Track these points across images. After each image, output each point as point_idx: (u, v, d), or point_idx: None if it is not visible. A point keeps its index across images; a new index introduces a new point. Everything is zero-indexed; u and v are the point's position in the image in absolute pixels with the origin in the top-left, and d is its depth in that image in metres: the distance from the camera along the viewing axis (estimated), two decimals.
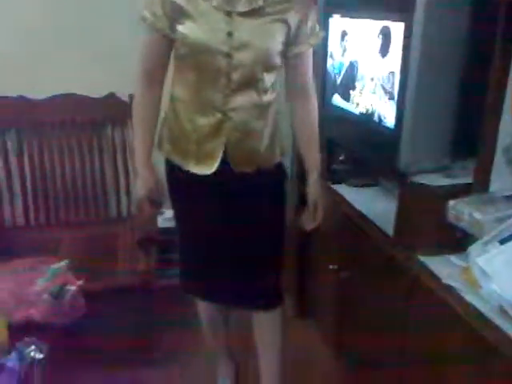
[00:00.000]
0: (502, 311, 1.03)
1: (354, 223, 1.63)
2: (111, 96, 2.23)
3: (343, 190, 1.83)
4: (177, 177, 1.46)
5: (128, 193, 2.35)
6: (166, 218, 2.24)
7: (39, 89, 2.14)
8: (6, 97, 2.11)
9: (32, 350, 1.09)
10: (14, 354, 1.06)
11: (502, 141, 1.21)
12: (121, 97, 2.23)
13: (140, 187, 1.43)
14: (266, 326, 1.59)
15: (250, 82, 1.32)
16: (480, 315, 1.06)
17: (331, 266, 1.77)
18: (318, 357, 1.97)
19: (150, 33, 1.36)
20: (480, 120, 1.22)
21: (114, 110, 2.25)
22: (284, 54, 1.34)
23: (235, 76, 1.29)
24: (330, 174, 1.88)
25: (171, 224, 2.27)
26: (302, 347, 1.96)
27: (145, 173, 1.41)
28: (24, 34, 2.12)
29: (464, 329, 1.08)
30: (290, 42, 1.32)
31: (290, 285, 2.15)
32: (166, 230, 2.21)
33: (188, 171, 1.40)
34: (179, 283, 1.68)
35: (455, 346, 1.12)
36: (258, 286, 1.48)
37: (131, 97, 2.21)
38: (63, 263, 1.26)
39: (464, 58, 1.24)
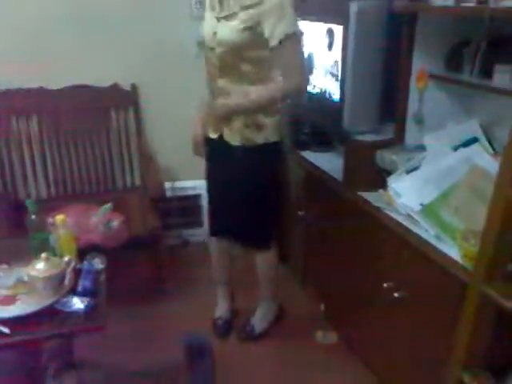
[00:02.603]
0: (409, 217, 1.58)
1: (316, 177, 2.17)
2: (115, 86, 2.69)
3: (308, 154, 2.36)
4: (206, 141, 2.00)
5: (131, 166, 2.83)
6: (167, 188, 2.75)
7: (55, 81, 2.58)
8: (29, 89, 2.55)
9: (96, 261, 1.58)
10: (85, 262, 1.54)
11: (411, 108, 1.77)
12: (123, 87, 2.70)
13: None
14: (260, 264, 2.11)
15: (229, 70, 1.75)
16: (396, 221, 1.61)
17: (300, 213, 2.31)
18: (292, 293, 2.49)
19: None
20: (396, 94, 1.77)
21: (118, 98, 2.72)
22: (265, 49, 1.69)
23: (217, 64, 1.77)
24: (298, 143, 2.41)
25: (169, 193, 2.81)
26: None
27: None
28: (43, 36, 2.55)
29: (388, 233, 1.63)
30: (264, 39, 1.65)
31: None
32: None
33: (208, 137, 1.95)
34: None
35: (382, 243, 1.68)
36: (248, 231, 2.00)
37: (133, 86, 2.72)
38: (109, 205, 1.73)
39: (383, 50, 1.77)
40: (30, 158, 2.64)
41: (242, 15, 1.67)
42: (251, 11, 1.65)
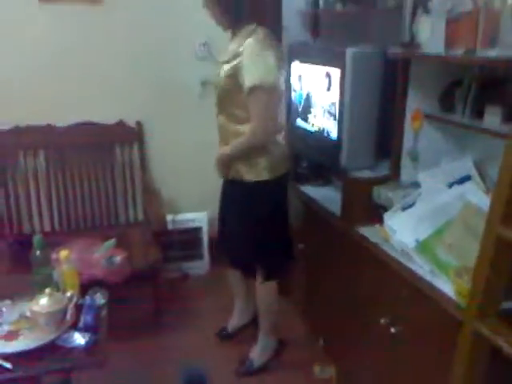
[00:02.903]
0: (404, 253, 1.61)
1: (315, 211, 2.21)
2: (120, 123, 2.77)
3: (306, 188, 2.41)
4: None
5: (134, 200, 2.88)
6: (168, 220, 2.79)
7: (63, 118, 2.67)
8: (37, 126, 2.64)
9: (98, 296, 1.61)
10: (87, 298, 1.57)
11: (406, 145, 1.82)
12: (128, 124, 2.79)
13: None
14: (260, 296, 2.18)
15: (224, 109, 1.92)
16: (392, 257, 1.64)
17: (300, 246, 2.34)
18: (292, 326, 2.50)
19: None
20: (391, 133, 1.83)
21: (123, 134, 2.80)
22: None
23: (217, 102, 1.94)
24: (297, 177, 2.46)
25: (171, 226, 2.85)
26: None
27: None
28: (51, 76, 2.66)
29: (384, 268, 1.66)
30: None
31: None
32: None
33: None
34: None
35: (379, 279, 1.70)
36: (244, 262, 2.15)
37: (138, 123, 2.80)
38: (113, 241, 1.77)
39: (379, 92, 1.84)
40: (35, 192, 2.70)
41: (231, 63, 1.82)
42: (235, 61, 1.80)
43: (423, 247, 1.55)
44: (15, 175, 2.65)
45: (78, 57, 2.68)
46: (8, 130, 2.59)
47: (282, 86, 1.95)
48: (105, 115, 2.73)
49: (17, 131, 2.61)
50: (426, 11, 1.54)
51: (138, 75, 2.77)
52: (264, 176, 1.90)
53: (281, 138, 2.08)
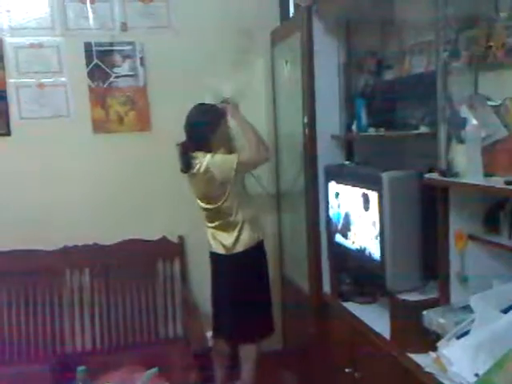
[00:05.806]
0: None
1: (361, 332, 2.12)
2: (163, 239, 2.86)
3: (351, 306, 2.34)
4: None
5: (174, 315, 2.86)
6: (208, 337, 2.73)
7: (109, 236, 2.78)
8: (84, 245, 2.75)
9: None
10: None
11: (454, 268, 1.78)
12: (171, 239, 2.87)
13: None
14: (243, 355, 2.58)
15: None
16: None
17: (347, 370, 2.22)
18: None
19: None
20: (436, 253, 1.80)
21: (165, 250, 2.87)
22: None
23: None
24: (340, 294, 2.41)
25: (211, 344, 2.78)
26: None
27: None
28: (100, 197, 2.83)
29: None
30: None
31: None
32: None
33: None
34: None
35: None
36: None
37: (180, 238, 2.88)
38: (154, 370, 1.75)
39: (419, 213, 1.85)
40: (79, 309, 2.74)
41: None
42: None
43: (484, 382, 1.44)
44: (61, 294, 2.71)
45: (125, 179, 2.86)
46: (57, 251, 2.71)
47: None
48: (148, 232, 2.83)
49: (64, 251, 2.72)
50: (461, 141, 1.59)
51: (181, 192, 2.89)
52: None
53: None
